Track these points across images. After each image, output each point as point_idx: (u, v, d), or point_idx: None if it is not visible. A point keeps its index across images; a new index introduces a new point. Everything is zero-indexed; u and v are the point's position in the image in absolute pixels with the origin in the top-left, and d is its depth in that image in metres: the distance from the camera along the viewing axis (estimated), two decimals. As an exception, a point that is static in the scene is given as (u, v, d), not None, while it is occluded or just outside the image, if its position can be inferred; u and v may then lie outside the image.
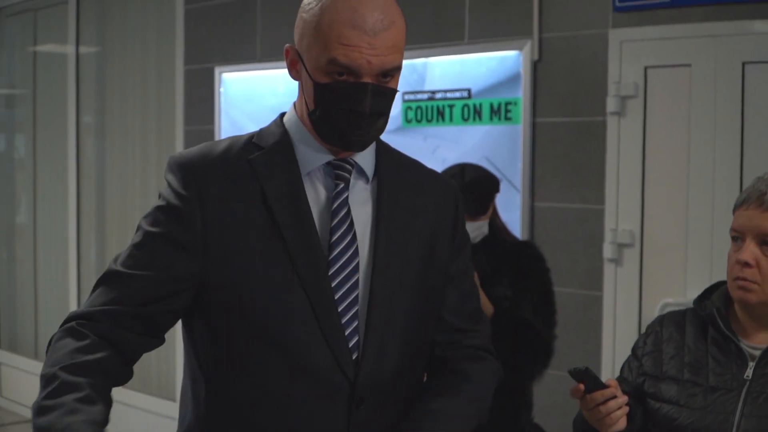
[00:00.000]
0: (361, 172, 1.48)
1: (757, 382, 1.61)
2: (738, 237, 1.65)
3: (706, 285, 1.82)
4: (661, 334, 1.80)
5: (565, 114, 3.34)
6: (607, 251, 3.18)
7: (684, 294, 2.99)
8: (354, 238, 1.43)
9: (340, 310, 1.39)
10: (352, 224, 1.43)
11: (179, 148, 4.66)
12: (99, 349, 1.32)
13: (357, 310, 1.41)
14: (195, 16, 4.62)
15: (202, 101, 4.58)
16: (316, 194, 1.44)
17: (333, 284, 1.39)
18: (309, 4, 1.38)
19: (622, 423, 1.61)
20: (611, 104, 3.19)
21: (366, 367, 1.40)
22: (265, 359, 1.38)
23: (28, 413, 5.47)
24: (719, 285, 1.79)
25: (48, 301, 5.75)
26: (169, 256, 1.37)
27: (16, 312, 6.03)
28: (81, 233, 5.38)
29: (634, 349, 1.85)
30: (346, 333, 1.40)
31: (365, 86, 1.34)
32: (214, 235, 1.37)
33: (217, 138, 4.43)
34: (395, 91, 1.41)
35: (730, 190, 2.92)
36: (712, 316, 1.70)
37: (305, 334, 1.37)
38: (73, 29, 5.36)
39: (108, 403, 1.31)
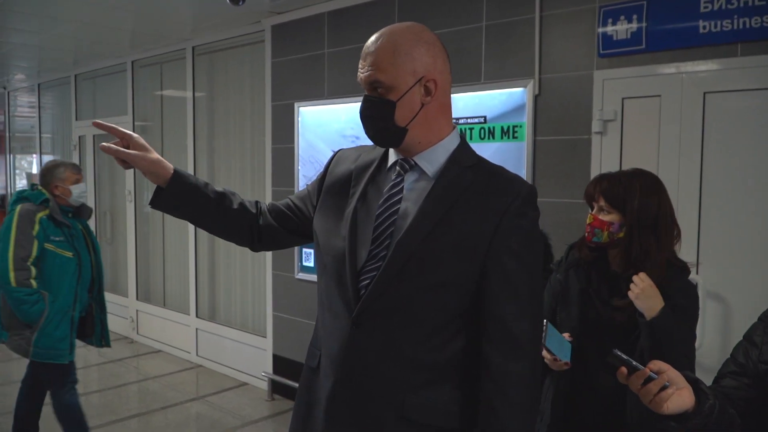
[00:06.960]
0: (419, 169, 1.28)
1: None
2: None
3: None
4: None
5: (558, 134, 2.97)
6: (594, 234, 2.83)
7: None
8: (393, 213, 1.26)
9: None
10: (396, 203, 1.27)
11: (269, 162, 4.33)
12: (252, 205, 1.45)
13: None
14: (279, 67, 4.24)
15: (284, 127, 4.20)
16: (386, 181, 1.31)
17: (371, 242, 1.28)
18: None
19: (675, 404, 1.16)
20: (595, 126, 2.81)
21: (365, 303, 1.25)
22: (323, 271, 1.36)
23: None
24: None
25: (173, 265, 5.41)
26: (306, 195, 1.47)
27: (149, 271, 5.70)
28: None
29: (749, 337, 1.38)
30: (360, 278, 1.26)
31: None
32: (322, 197, 1.41)
33: (296, 153, 4.13)
34: (384, 99, 1.23)
35: (690, 195, 2.57)
36: None
37: (342, 270, 1.27)
38: (189, 78, 4.99)
39: (222, 195, 1.41)
